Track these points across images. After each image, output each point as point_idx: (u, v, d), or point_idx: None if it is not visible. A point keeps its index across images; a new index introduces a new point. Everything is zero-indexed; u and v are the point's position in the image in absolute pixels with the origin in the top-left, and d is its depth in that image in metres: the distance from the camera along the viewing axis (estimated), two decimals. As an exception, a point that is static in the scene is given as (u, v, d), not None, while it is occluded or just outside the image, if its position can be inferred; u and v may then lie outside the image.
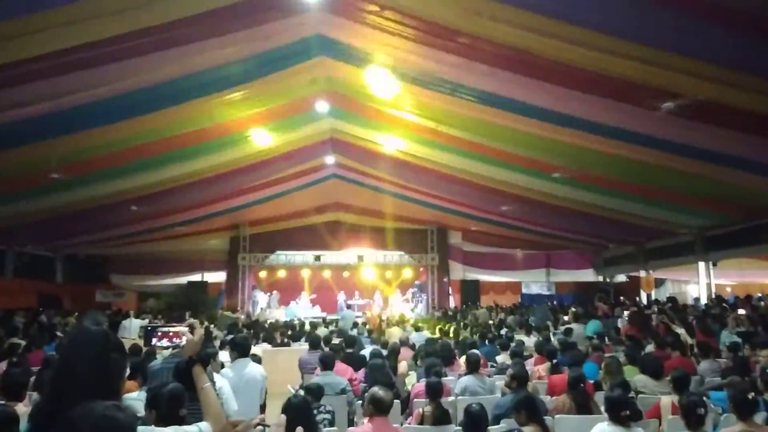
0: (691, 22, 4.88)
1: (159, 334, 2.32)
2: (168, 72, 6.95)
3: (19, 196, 9.98)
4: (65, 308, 15.01)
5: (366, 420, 3.83)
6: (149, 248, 17.63)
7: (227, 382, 4.13)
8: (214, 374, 4.02)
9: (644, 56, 5.40)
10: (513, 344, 7.71)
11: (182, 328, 2.19)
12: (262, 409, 4.83)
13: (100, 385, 1.33)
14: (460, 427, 3.75)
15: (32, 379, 4.88)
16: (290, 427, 3.07)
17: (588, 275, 18.93)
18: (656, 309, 11.34)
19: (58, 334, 9.83)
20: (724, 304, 11.11)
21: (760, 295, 13.42)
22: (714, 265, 12.60)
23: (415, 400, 5.21)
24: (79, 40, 5.54)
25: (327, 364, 5.63)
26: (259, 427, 2.04)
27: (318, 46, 7.46)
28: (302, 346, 9.31)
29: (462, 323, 12.78)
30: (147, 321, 13.41)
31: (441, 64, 6.98)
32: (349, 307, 18.27)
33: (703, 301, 12.49)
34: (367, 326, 12.48)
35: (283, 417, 1.86)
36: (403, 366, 6.76)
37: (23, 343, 8.42)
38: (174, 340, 2.28)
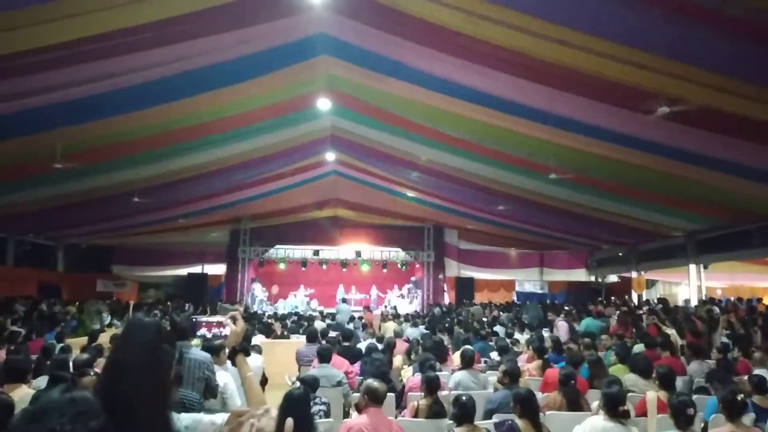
0: (686, 29, 4.95)
1: (203, 324, 2.45)
2: (174, 67, 6.99)
3: (21, 185, 9.97)
4: (65, 297, 15.06)
5: (361, 411, 3.96)
6: (151, 239, 17.75)
7: (230, 376, 4.10)
8: (217, 369, 4.07)
9: (639, 60, 5.47)
10: (509, 341, 7.85)
11: (225, 320, 2.33)
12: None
13: (151, 374, 1.33)
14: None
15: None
16: (285, 418, 3.18)
17: (580, 275, 19.13)
18: (647, 309, 11.51)
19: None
20: (715, 306, 11.26)
21: (749, 298, 13.61)
22: (705, 267, 12.70)
23: (409, 393, 5.31)
24: (87, 32, 5.60)
25: (324, 357, 5.72)
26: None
27: (321, 45, 7.54)
28: (300, 338, 9.34)
29: (456, 319, 12.93)
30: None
31: (440, 65, 7.08)
32: (344, 301, 18.39)
33: (694, 303, 12.64)
34: (363, 321, 12.62)
35: (274, 411, 1.90)
36: (398, 360, 6.88)
37: (23, 331, 8.53)
38: (215, 329, 2.39)
